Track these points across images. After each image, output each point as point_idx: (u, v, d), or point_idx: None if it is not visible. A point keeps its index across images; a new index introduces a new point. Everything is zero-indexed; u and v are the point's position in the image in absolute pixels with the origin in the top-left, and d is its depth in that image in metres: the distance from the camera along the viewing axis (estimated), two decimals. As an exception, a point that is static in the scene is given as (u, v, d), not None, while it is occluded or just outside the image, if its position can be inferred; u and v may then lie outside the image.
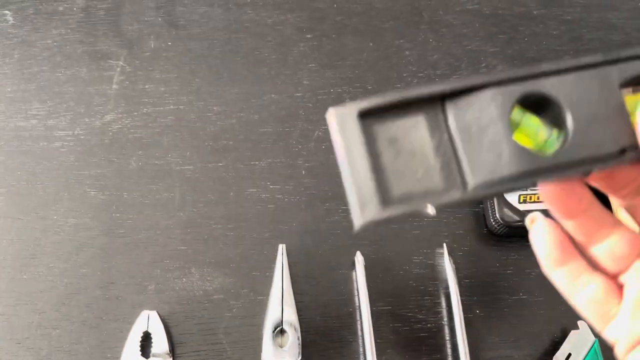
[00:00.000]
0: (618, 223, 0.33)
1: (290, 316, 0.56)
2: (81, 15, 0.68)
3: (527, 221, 0.34)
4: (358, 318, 0.58)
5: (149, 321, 0.55)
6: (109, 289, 0.58)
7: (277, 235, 0.61)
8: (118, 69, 0.67)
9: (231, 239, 0.61)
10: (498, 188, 0.29)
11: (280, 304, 0.56)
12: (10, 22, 0.68)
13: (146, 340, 0.55)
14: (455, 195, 0.29)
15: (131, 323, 0.56)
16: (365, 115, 0.29)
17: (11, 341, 0.56)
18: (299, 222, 0.62)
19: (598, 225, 0.32)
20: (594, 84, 0.29)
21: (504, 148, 0.29)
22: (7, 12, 0.68)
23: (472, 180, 0.29)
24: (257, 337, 0.56)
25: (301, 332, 0.55)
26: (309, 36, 0.70)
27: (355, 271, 0.59)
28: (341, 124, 0.29)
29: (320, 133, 0.65)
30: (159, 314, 0.56)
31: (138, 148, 0.64)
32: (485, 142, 0.29)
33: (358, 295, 0.58)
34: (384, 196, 0.29)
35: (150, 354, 0.54)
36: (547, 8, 0.74)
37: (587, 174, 0.30)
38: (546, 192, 0.31)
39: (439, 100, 0.30)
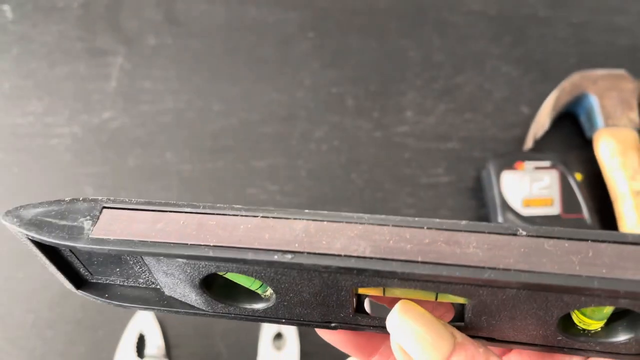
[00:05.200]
0: None
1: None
2: (80, 11, 0.68)
3: None
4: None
5: (144, 322, 0.55)
6: (104, 289, 0.57)
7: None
8: (117, 66, 0.66)
9: (229, 240, 0.60)
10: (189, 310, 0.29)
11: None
12: (9, 18, 0.67)
13: (141, 341, 0.54)
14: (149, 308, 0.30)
15: (126, 324, 0.55)
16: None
17: (5, 340, 0.55)
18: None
19: None
20: (319, 285, 0.25)
21: (194, 298, 0.28)
22: (6, 7, 0.67)
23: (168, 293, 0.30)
24: (254, 340, 0.55)
25: (300, 336, 0.55)
26: (311, 35, 0.69)
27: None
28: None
29: (321, 134, 0.64)
30: (155, 315, 0.55)
31: (136, 146, 0.63)
32: (178, 284, 0.28)
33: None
34: None
35: (145, 355, 0.54)
36: (554, 10, 0.73)
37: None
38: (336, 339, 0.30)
39: None
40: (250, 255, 0.23)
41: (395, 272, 0.22)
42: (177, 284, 0.28)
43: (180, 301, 0.29)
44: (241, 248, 0.24)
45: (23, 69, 0.65)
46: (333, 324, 0.28)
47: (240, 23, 0.69)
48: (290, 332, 0.54)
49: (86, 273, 0.30)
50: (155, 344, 0.54)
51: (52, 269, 0.29)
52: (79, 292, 0.30)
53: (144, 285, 0.30)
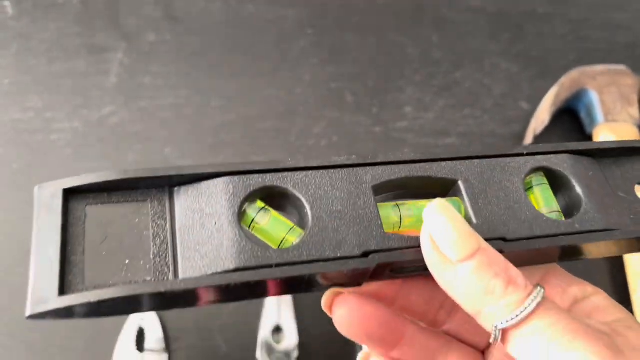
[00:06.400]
0: (449, 342, 0.33)
1: (287, 314, 0.55)
2: (80, 8, 0.68)
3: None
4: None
5: (144, 316, 0.55)
6: (103, 284, 0.57)
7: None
8: (116, 62, 0.66)
9: (228, 235, 0.60)
10: (213, 281, 0.26)
11: (278, 302, 0.55)
12: (9, 14, 0.67)
13: (141, 335, 0.54)
14: (159, 287, 0.26)
15: (126, 318, 0.55)
16: (75, 193, 0.27)
17: (5, 335, 0.55)
18: (297, 219, 0.61)
19: (427, 354, 0.32)
20: (344, 185, 0.29)
21: (225, 240, 0.27)
22: (6, 3, 0.67)
23: (183, 274, 0.27)
24: (253, 334, 0.55)
25: (298, 330, 0.55)
26: (309, 31, 0.69)
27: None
28: (44, 200, 0.27)
29: (320, 129, 0.65)
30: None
31: (136, 142, 0.63)
32: (207, 232, 0.27)
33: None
34: (67, 284, 0.26)
35: (145, 349, 0.54)
36: (552, 7, 0.73)
37: (328, 278, 0.28)
38: (355, 327, 0.31)
39: (167, 186, 0.28)
40: (292, 157, 0.29)
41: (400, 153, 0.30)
42: (208, 234, 0.27)
43: (200, 278, 0.27)
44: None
45: (23, 65, 0.65)
46: (370, 256, 0.28)
47: (239, 20, 0.69)
48: (289, 326, 0.54)
49: (74, 270, 0.27)
50: (155, 338, 0.54)
51: (41, 256, 0.26)
52: (60, 301, 0.25)
53: (150, 276, 0.27)
